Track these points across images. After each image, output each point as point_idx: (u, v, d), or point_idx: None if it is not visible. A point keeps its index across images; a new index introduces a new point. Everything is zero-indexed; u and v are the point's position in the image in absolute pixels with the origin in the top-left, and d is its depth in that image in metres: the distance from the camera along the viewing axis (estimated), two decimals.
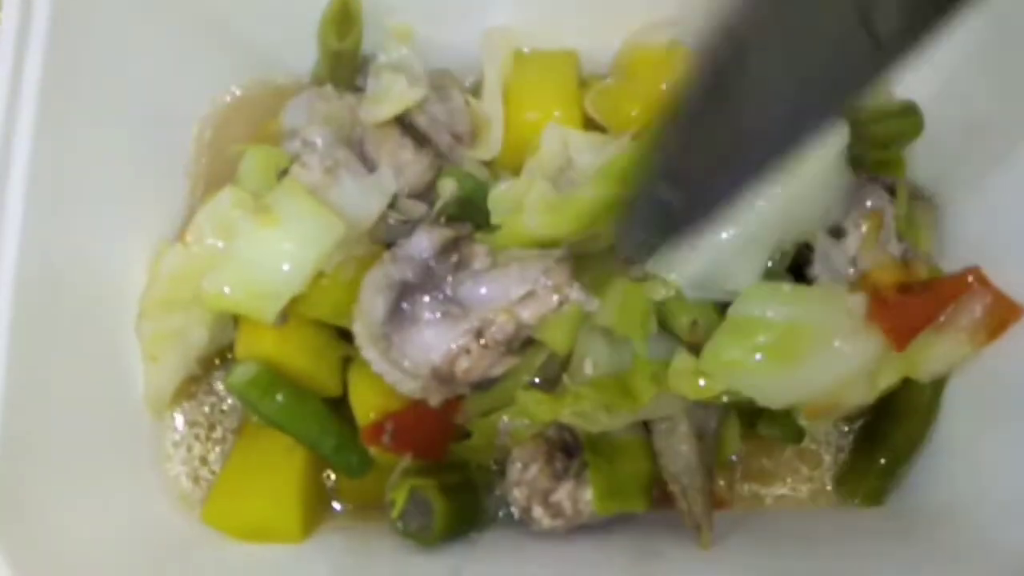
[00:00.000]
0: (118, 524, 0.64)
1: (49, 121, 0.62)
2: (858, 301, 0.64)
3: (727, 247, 0.63)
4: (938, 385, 0.71)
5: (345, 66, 0.73)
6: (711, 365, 0.63)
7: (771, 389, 0.65)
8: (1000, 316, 0.67)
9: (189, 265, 0.67)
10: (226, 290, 0.64)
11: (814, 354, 0.64)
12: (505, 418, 0.66)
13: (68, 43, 0.64)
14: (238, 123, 0.76)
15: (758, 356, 0.63)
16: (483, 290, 0.64)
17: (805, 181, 0.64)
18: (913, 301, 0.67)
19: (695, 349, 0.64)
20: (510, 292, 0.63)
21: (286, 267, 0.64)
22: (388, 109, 0.69)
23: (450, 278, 0.64)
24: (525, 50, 0.76)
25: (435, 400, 0.63)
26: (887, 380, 0.67)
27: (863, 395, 0.67)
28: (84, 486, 0.63)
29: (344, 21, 0.72)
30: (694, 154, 0.48)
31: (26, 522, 0.58)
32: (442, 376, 0.63)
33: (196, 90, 0.76)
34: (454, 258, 0.64)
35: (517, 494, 0.66)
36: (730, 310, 0.63)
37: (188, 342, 0.68)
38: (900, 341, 0.66)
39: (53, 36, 0.62)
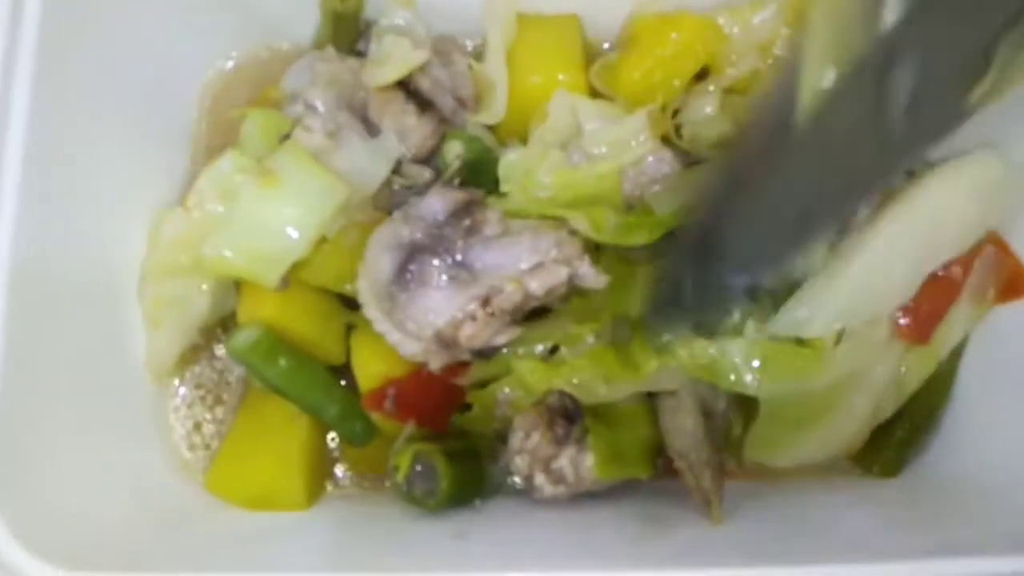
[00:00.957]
0: (119, 492, 0.64)
1: (47, 87, 0.61)
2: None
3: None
4: (954, 355, 0.70)
5: (347, 30, 0.72)
6: (756, 452, 0.66)
7: (811, 452, 0.67)
8: (1012, 275, 0.66)
9: (190, 230, 0.66)
10: (227, 254, 0.63)
11: (845, 399, 0.66)
12: (506, 389, 0.65)
13: (66, 6, 0.63)
14: (239, 89, 0.75)
15: (797, 433, 0.65)
16: (493, 257, 0.63)
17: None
18: (931, 289, 0.66)
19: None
20: (520, 261, 0.63)
21: (288, 231, 0.63)
22: (391, 72, 0.68)
23: (460, 242, 0.63)
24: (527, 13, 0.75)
25: (436, 364, 0.62)
26: (918, 378, 0.68)
27: (895, 403, 0.68)
28: (85, 453, 0.63)
29: None
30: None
31: (27, 490, 0.58)
32: (445, 340, 0.62)
33: (197, 56, 0.75)
34: (466, 222, 0.63)
35: (519, 462, 0.65)
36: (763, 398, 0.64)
37: (190, 308, 0.68)
38: (924, 335, 0.66)
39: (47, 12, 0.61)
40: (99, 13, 0.66)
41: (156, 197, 0.71)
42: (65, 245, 0.64)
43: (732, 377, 0.64)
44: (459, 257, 0.63)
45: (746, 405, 0.68)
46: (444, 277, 0.62)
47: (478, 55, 0.74)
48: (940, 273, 0.67)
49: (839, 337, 0.65)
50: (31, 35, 0.61)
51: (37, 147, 0.60)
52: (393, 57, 0.68)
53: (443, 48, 0.73)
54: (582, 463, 0.63)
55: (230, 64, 0.76)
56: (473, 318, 0.62)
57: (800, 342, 0.65)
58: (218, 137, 0.73)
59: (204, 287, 0.68)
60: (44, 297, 0.61)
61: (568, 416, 0.66)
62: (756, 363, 0.64)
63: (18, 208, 0.59)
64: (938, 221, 0.64)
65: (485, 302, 0.62)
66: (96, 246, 0.67)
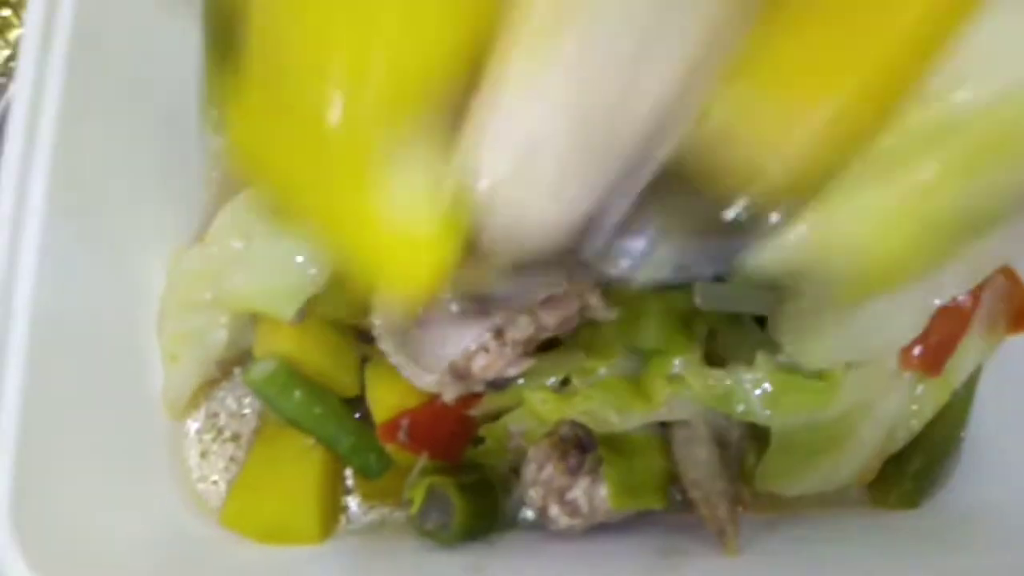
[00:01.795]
0: (135, 525, 0.64)
1: (71, 119, 0.63)
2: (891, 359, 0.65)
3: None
4: (969, 385, 0.70)
5: None
6: (767, 482, 0.65)
7: (821, 481, 0.66)
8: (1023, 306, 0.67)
9: (208, 266, 0.67)
10: (243, 289, 0.64)
11: (855, 429, 0.65)
12: (518, 421, 0.65)
13: (91, 43, 0.65)
14: None
15: (808, 463, 0.65)
16: (506, 290, 0.64)
17: None
18: (941, 320, 0.65)
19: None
20: (534, 294, 0.63)
21: (304, 266, 0.64)
22: None
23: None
24: None
25: (450, 396, 0.63)
26: (932, 408, 0.67)
27: (908, 433, 0.67)
28: (101, 487, 0.63)
29: None
30: None
31: (44, 523, 0.58)
32: (459, 372, 0.62)
33: None
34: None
35: (533, 494, 0.65)
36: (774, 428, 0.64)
37: (208, 343, 0.69)
38: (936, 367, 0.65)
39: (76, 34, 0.63)
40: (122, 47, 0.68)
41: (176, 233, 0.72)
42: (85, 280, 0.64)
43: (743, 408, 0.64)
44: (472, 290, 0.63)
45: (759, 435, 0.68)
46: (457, 309, 0.63)
47: None
48: (949, 304, 0.67)
49: (849, 369, 0.65)
50: (58, 65, 0.62)
51: (60, 179, 0.62)
52: None
53: None
54: (596, 494, 0.63)
55: None
56: (486, 350, 0.62)
57: (812, 373, 0.65)
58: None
59: (222, 321, 0.68)
60: (63, 332, 0.62)
61: (581, 446, 0.66)
62: (768, 394, 0.64)
63: (39, 243, 0.60)
64: None
65: (498, 334, 0.63)
66: (116, 281, 0.68)
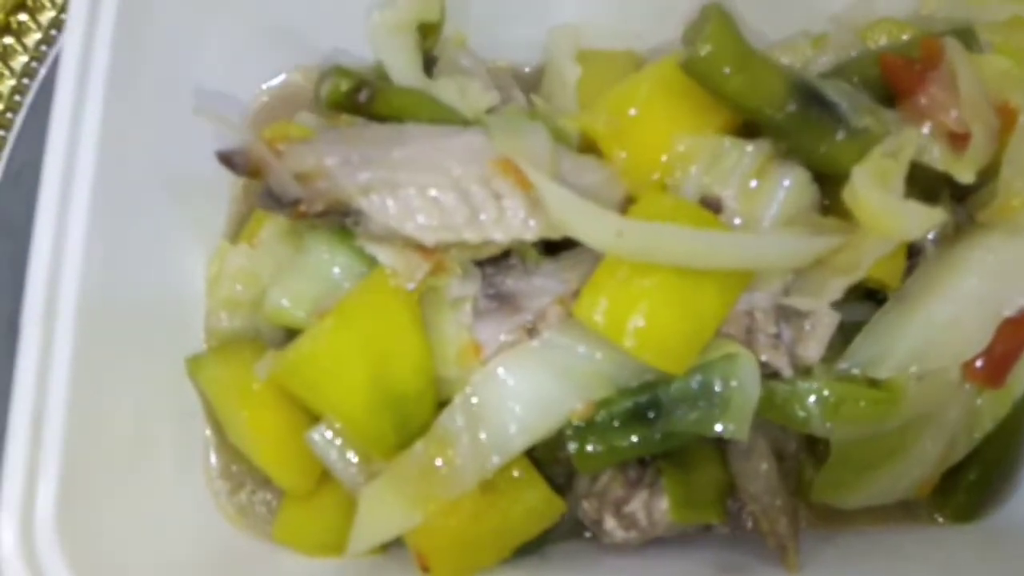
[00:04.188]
0: (178, 536, 0.63)
1: (112, 120, 0.62)
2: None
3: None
4: None
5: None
6: (824, 494, 0.64)
7: (879, 494, 0.65)
8: None
9: (254, 266, 0.65)
10: (286, 304, 0.62)
11: (916, 440, 0.64)
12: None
13: (132, 43, 0.63)
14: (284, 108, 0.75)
15: (866, 475, 0.64)
16: (538, 281, 0.62)
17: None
18: (1005, 331, 0.63)
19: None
20: (568, 281, 0.61)
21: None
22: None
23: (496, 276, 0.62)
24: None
25: None
26: (991, 420, 0.66)
27: (968, 445, 0.66)
28: (146, 498, 0.62)
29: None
30: None
31: (91, 534, 0.57)
32: None
33: (246, 83, 0.75)
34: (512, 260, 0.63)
35: (587, 506, 0.64)
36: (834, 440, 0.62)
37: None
38: (999, 378, 0.64)
39: (117, 38, 0.62)
40: (162, 45, 0.67)
41: (211, 231, 0.71)
42: (130, 276, 0.64)
43: (803, 417, 0.62)
44: (502, 287, 0.62)
45: (816, 446, 0.67)
46: (484, 307, 0.61)
47: (533, 84, 0.74)
48: (1014, 314, 0.66)
49: (912, 380, 0.63)
50: (100, 67, 0.62)
51: (103, 184, 0.61)
52: (463, 101, 0.67)
53: (500, 83, 0.73)
54: (656, 507, 0.62)
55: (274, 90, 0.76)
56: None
57: (873, 383, 0.63)
58: None
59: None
60: (108, 335, 0.61)
61: (640, 458, 0.64)
62: (829, 405, 0.62)
63: (84, 247, 0.59)
64: (1018, 265, 0.62)
65: (531, 330, 0.61)
66: (158, 280, 0.67)
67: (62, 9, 0.85)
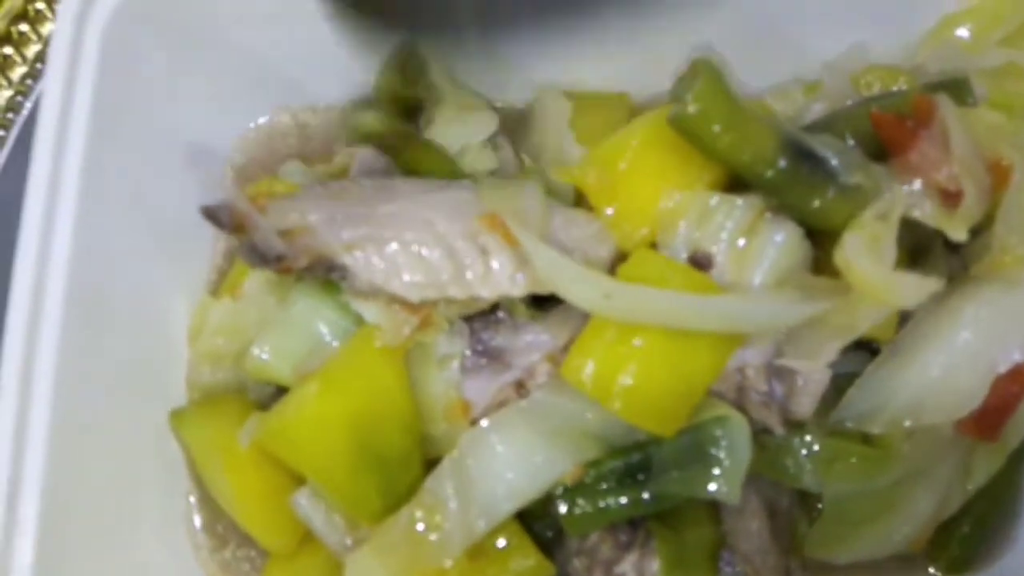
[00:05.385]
0: None
1: (93, 169, 0.62)
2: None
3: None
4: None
5: (406, 109, 0.72)
6: (817, 549, 0.64)
7: (873, 549, 0.65)
8: None
9: (237, 321, 0.64)
10: (269, 359, 0.61)
11: (910, 495, 0.63)
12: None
13: (114, 87, 0.63)
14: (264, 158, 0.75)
15: (859, 530, 0.63)
16: (527, 337, 0.61)
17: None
18: (999, 384, 0.62)
19: None
20: (557, 337, 0.61)
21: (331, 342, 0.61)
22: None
23: (485, 332, 0.62)
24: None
25: None
26: (985, 473, 0.65)
27: (960, 498, 0.65)
28: (128, 553, 0.62)
29: (408, 68, 0.70)
30: None
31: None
32: None
33: (229, 128, 0.75)
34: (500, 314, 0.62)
35: (577, 564, 0.63)
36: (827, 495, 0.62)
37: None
38: (994, 432, 0.63)
39: (98, 83, 0.62)
40: (143, 92, 0.67)
41: (193, 283, 0.70)
42: (111, 327, 0.63)
43: (795, 472, 0.61)
44: (491, 343, 0.61)
45: (809, 501, 0.66)
46: (471, 364, 0.61)
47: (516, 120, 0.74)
48: (1008, 369, 0.65)
49: (905, 435, 0.63)
50: (82, 112, 0.61)
51: (84, 226, 0.60)
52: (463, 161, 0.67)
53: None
54: (647, 568, 0.60)
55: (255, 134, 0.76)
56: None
57: (866, 439, 0.62)
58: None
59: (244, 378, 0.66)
60: (89, 380, 0.61)
61: (630, 519, 0.63)
62: (821, 461, 0.61)
63: (66, 288, 0.59)
64: (1013, 320, 0.62)
65: (519, 386, 0.60)
66: (141, 330, 0.66)
67: (48, 42, 0.85)
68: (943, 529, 0.68)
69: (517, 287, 0.59)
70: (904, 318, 0.64)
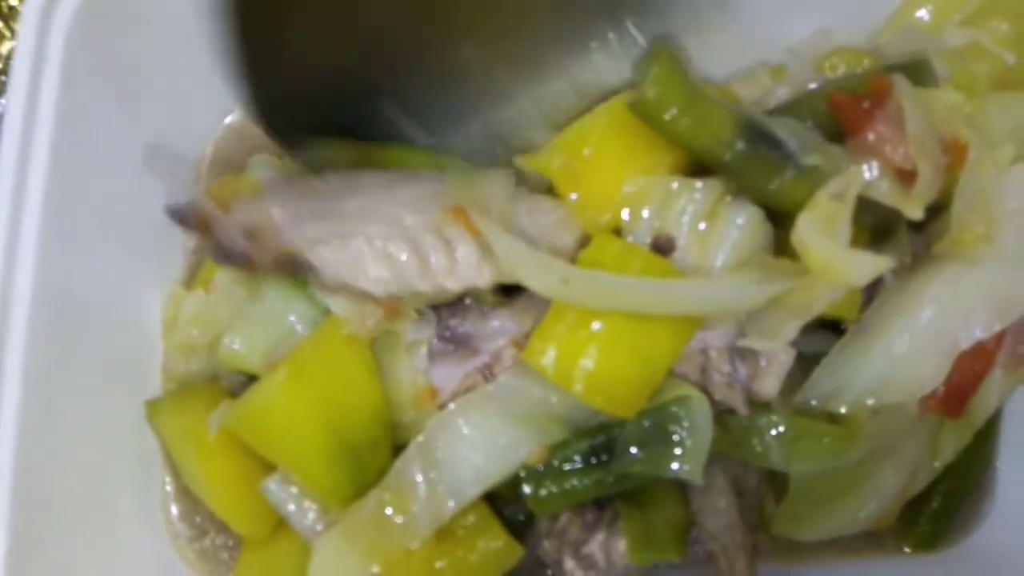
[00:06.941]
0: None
1: (60, 166, 0.62)
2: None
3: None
4: (992, 423, 0.69)
5: None
6: (784, 527, 0.65)
7: (840, 526, 0.65)
8: None
9: (209, 312, 0.65)
10: (240, 350, 0.62)
11: (876, 472, 0.64)
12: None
13: (79, 87, 0.63)
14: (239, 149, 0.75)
15: (826, 508, 0.64)
16: (494, 323, 0.62)
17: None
18: (963, 361, 0.63)
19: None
20: (522, 323, 0.61)
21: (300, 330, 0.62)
22: None
23: (452, 318, 0.62)
24: None
25: None
26: (952, 450, 0.66)
27: (929, 475, 0.66)
28: (105, 544, 0.62)
29: None
30: None
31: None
32: None
33: (198, 126, 0.75)
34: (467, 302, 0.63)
35: (547, 545, 0.64)
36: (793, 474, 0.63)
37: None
38: (957, 409, 0.64)
39: (65, 75, 0.62)
40: (110, 88, 0.67)
41: (165, 275, 0.71)
42: (83, 322, 0.64)
43: (761, 452, 0.62)
44: (458, 330, 0.62)
45: (777, 480, 0.67)
46: (439, 349, 0.61)
47: None
48: (970, 347, 0.65)
49: (870, 413, 0.63)
50: (47, 106, 0.61)
51: (51, 218, 0.61)
52: None
53: None
54: (614, 548, 0.62)
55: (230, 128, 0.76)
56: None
57: (832, 418, 0.63)
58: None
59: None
60: (60, 372, 0.61)
61: (597, 500, 0.64)
62: (787, 440, 0.62)
63: (32, 285, 0.59)
64: (974, 298, 0.62)
65: (486, 370, 0.61)
66: (115, 325, 0.67)
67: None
68: (912, 506, 0.69)
69: (482, 278, 0.60)
70: (869, 298, 0.65)
